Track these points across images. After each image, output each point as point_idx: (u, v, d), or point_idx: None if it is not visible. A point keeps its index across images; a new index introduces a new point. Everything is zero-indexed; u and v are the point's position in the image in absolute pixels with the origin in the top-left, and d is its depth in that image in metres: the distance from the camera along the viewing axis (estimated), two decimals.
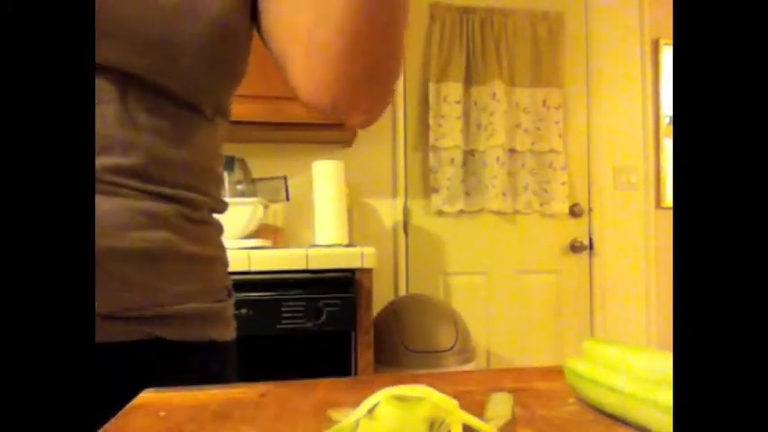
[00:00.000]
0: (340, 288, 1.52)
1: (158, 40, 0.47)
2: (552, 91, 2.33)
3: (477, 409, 0.32)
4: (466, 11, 2.27)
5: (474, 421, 0.29)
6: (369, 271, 1.56)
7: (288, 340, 1.49)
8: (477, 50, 2.28)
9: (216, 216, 0.59)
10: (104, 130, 0.46)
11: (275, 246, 1.87)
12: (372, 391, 0.31)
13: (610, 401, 0.36)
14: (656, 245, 2.40)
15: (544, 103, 2.34)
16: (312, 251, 1.55)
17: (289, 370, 1.43)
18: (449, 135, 2.26)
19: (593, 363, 0.39)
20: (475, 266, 2.32)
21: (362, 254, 1.55)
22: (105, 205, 0.46)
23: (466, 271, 2.31)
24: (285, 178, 1.93)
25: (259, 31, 0.55)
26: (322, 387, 0.46)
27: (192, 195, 0.53)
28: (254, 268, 1.49)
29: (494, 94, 2.26)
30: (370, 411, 0.30)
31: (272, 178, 1.94)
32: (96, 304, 0.41)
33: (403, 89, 2.29)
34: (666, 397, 0.30)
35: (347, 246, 1.76)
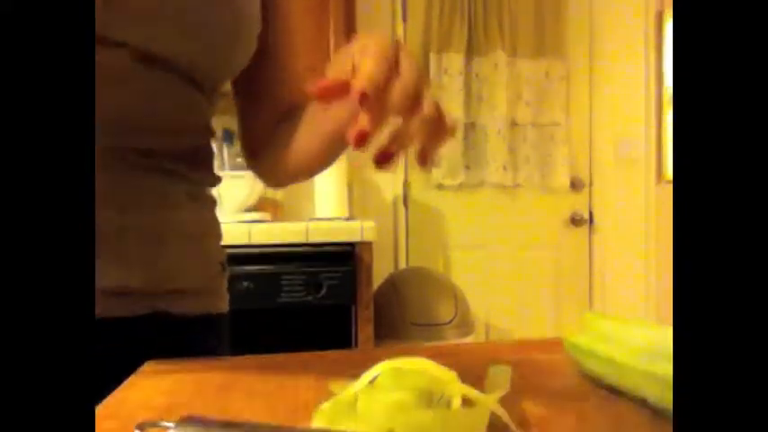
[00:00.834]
0: (340, 261, 1.53)
1: (196, 24, 0.48)
2: (555, 63, 2.31)
3: (477, 382, 0.32)
4: None
5: (473, 393, 0.29)
6: (369, 244, 1.56)
7: (288, 314, 1.50)
8: (480, 20, 2.24)
9: (212, 190, 0.59)
10: (116, 111, 0.46)
11: (275, 219, 1.87)
12: (372, 364, 0.31)
13: (608, 373, 0.36)
14: (656, 219, 2.39)
15: (546, 74, 2.31)
16: (312, 224, 1.55)
17: (289, 343, 1.44)
18: (450, 108, 2.23)
19: (593, 336, 0.39)
20: (475, 240, 2.32)
21: (362, 227, 1.55)
22: (104, 181, 0.46)
23: (466, 244, 2.32)
24: None
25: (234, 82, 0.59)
26: (322, 360, 0.46)
27: (186, 170, 0.53)
28: (254, 241, 1.48)
29: (495, 65, 2.23)
30: (371, 383, 0.31)
31: None
32: (96, 280, 0.41)
33: None
34: (664, 369, 0.30)
35: (347, 219, 1.76)
